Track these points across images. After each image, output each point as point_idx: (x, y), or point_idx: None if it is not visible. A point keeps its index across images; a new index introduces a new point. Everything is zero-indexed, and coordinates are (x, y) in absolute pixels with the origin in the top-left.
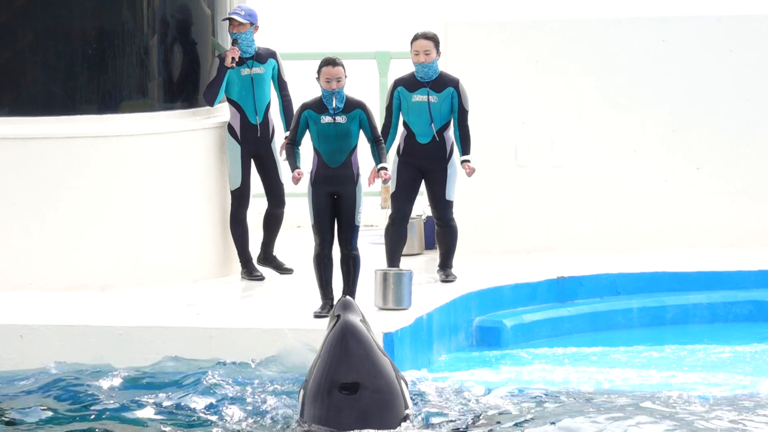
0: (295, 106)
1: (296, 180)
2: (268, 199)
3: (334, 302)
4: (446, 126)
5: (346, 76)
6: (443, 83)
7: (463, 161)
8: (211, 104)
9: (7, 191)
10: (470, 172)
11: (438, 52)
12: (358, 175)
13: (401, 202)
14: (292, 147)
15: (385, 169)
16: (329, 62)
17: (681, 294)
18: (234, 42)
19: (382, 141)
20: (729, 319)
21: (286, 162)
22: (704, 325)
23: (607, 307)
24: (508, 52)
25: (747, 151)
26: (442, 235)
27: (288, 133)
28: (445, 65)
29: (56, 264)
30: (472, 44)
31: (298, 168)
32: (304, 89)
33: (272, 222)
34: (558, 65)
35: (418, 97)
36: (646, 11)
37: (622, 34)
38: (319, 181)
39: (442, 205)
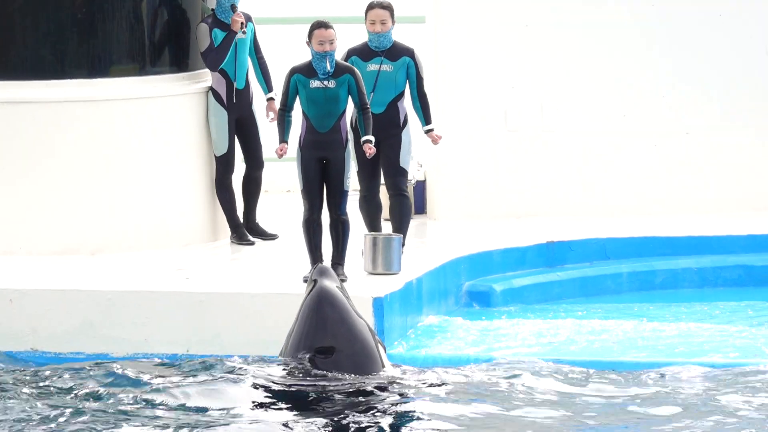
0: (272, 70)
1: (279, 155)
2: (247, 162)
3: None
4: (400, 96)
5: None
6: (398, 52)
7: (427, 131)
8: (215, 69)
9: None
10: (437, 140)
11: (393, 21)
12: (346, 140)
13: (367, 179)
14: (284, 113)
15: (370, 142)
16: (321, 25)
17: (670, 258)
18: (233, 7)
19: (369, 109)
20: (718, 283)
21: (273, 126)
22: (693, 290)
23: (597, 271)
24: (498, 17)
25: (735, 116)
26: (396, 206)
27: (280, 99)
28: (435, 31)
29: (46, 229)
30: (462, 9)
31: (285, 142)
32: (287, 54)
33: (252, 186)
34: (547, 30)
35: (372, 66)
36: None
37: None
38: (307, 145)
39: (396, 173)
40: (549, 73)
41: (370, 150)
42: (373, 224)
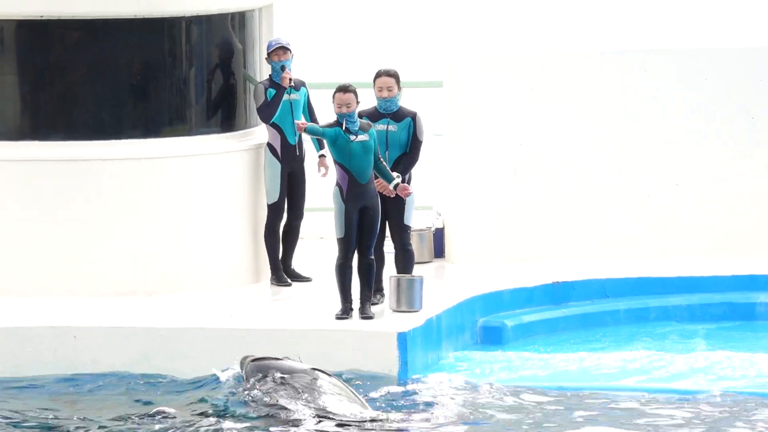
0: None
1: (300, 128)
2: (289, 211)
3: (353, 306)
4: (404, 155)
5: (358, 102)
6: (402, 115)
7: (395, 184)
8: (267, 122)
9: (62, 207)
10: (407, 193)
11: (399, 88)
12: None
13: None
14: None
15: (400, 181)
16: (340, 89)
17: (662, 297)
18: (282, 68)
19: (382, 159)
20: (705, 319)
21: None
22: (683, 324)
23: (597, 308)
24: (507, 82)
25: (720, 168)
26: (401, 258)
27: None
28: (452, 94)
29: (106, 272)
30: (476, 75)
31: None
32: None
33: (291, 234)
34: (551, 94)
35: (380, 127)
36: (629, 44)
37: (607, 64)
38: (351, 198)
39: (401, 230)
40: (553, 132)
41: (407, 190)
42: (378, 274)
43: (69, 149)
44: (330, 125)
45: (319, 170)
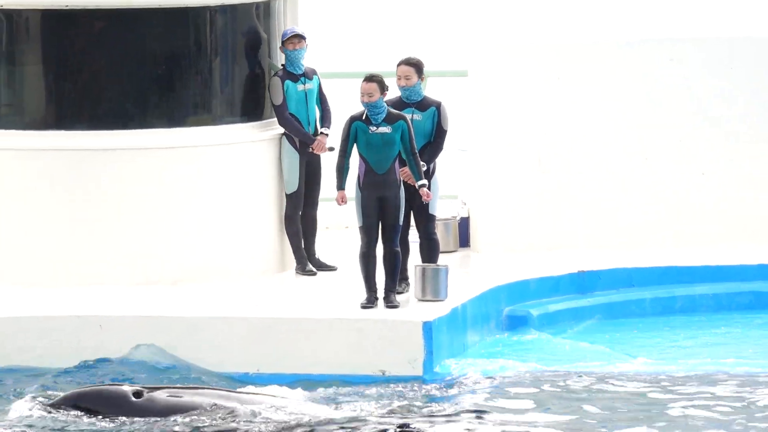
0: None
1: (340, 203)
2: (305, 200)
3: (378, 295)
4: (429, 144)
5: (385, 90)
6: (427, 104)
7: (420, 186)
8: (281, 125)
9: (88, 197)
10: (427, 199)
11: (420, 77)
12: (400, 180)
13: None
14: (343, 159)
15: (425, 186)
16: (365, 78)
17: (689, 286)
18: (319, 132)
19: (417, 154)
20: (732, 308)
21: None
22: (709, 314)
23: (623, 297)
24: (532, 71)
25: (746, 157)
26: (425, 247)
27: (339, 146)
28: (477, 84)
29: (131, 261)
30: (501, 65)
31: (343, 189)
32: (348, 105)
33: (309, 222)
34: (577, 83)
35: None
36: (654, 34)
37: (632, 54)
38: (367, 186)
39: (426, 219)
40: (578, 121)
41: (427, 196)
42: (403, 263)
43: (94, 139)
44: (356, 117)
45: (314, 142)
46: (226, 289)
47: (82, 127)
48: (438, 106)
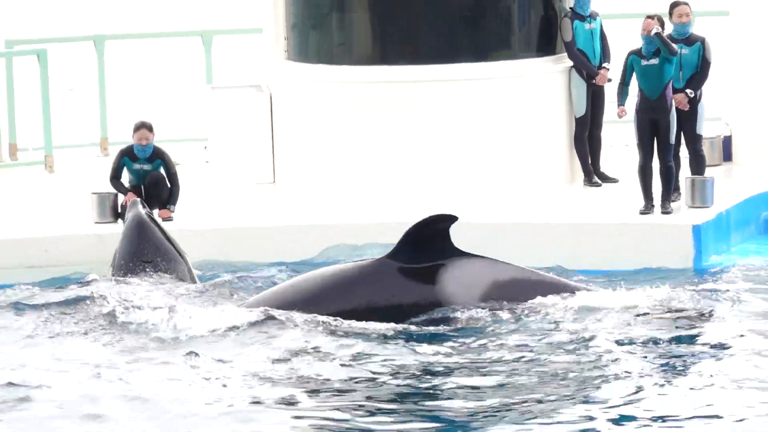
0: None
1: (621, 115)
2: (592, 123)
3: (654, 203)
4: (695, 74)
5: (659, 28)
6: (693, 39)
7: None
8: (571, 59)
9: (406, 123)
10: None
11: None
12: (671, 104)
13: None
14: (622, 86)
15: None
16: (647, 16)
17: None
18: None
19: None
20: None
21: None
22: None
23: None
24: None
25: None
26: (694, 163)
27: (620, 77)
28: (738, 23)
29: (442, 175)
30: (764, 4)
31: (623, 105)
32: (626, 44)
33: (595, 142)
34: None
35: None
36: None
37: None
38: (641, 110)
39: (693, 138)
40: None
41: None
42: (675, 176)
43: (413, 72)
44: (632, 52)
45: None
46: (525, 198)
47: (403, 62)
48: (703, 41)
